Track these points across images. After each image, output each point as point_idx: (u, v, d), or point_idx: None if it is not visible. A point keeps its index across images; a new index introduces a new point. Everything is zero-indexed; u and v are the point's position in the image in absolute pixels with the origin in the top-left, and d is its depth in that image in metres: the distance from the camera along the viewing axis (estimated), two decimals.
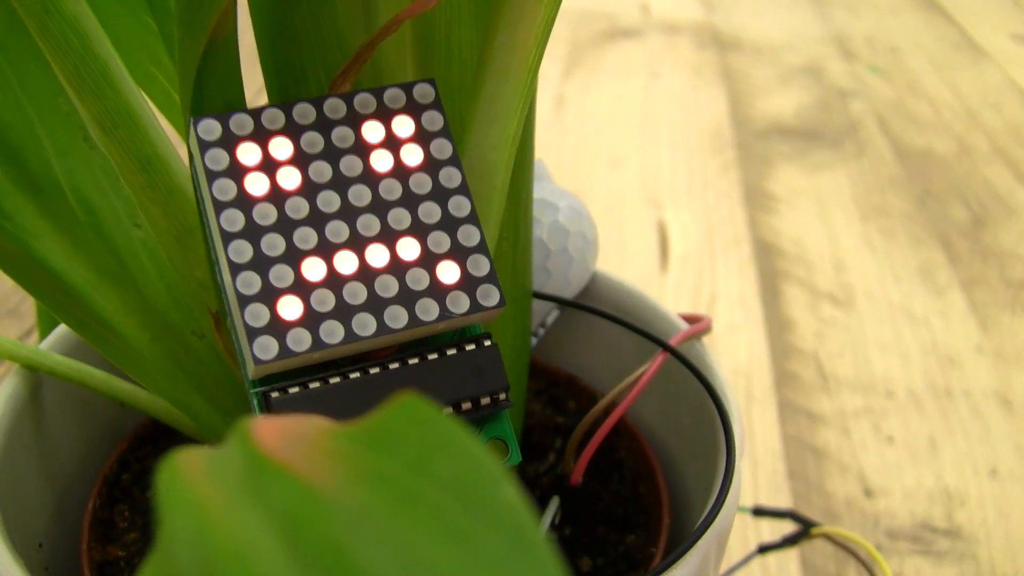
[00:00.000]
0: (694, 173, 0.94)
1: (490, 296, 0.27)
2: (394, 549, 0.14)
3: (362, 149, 0.27)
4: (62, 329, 0.40)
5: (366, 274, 0.26)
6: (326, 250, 0.26)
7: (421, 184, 0.27)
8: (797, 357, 0.69)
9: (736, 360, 0.68)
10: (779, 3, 1.38)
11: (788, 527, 0.54)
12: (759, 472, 0.59)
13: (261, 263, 0.25)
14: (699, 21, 1.31)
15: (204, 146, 0.26)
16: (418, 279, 0.26)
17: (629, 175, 0.93)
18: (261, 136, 0.26)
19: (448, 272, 0.27)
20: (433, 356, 0.27)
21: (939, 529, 0.55)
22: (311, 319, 0.25)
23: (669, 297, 0.75)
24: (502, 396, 0.27)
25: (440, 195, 0.27)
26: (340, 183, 0.27)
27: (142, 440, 0.41)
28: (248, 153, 0.26)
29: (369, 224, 0.26)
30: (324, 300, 0.26)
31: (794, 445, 0.61)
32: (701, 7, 1.36)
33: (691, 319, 0.41)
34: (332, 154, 0.27)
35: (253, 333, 0.25)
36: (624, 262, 0.79)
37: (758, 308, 0.74)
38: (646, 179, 0.92)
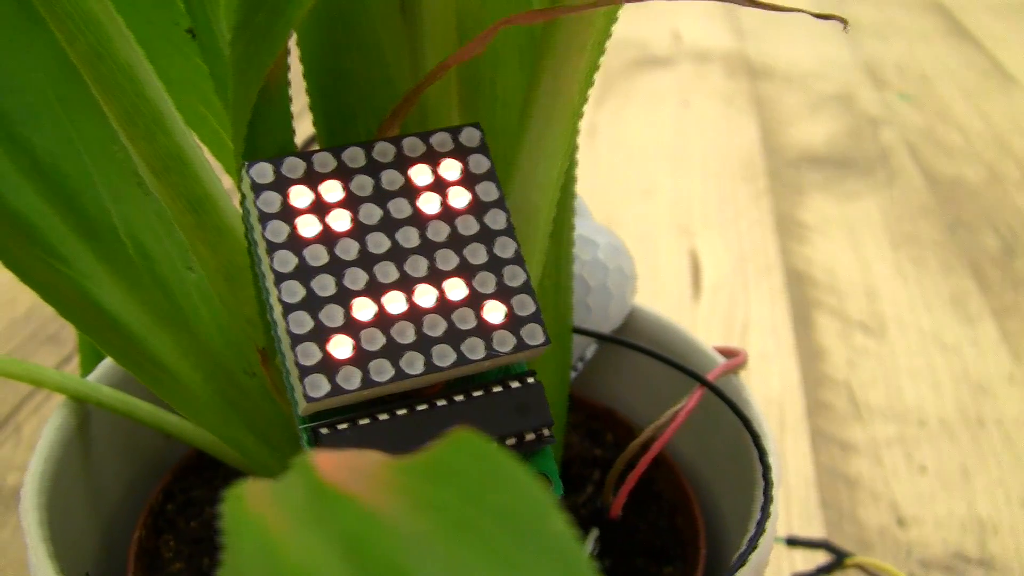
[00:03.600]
0: (726, 201, 0.94)
1: (535, 335, 0.27)
2: (451, 573, 0.14)
3: (410, 192, 0.28)
4: (109, 361, 0.40)
5: (414, 314, 0.27)
6: (376, 290, 0.27)
7: (468, 226, 0.28)
8: (829, 386, 0.69)
9: (768, 389, 0.69)
10: (809, 31, 1.38)
11: (822, 557, 0.54)
12: (792, 501, 0.59)
13: (312, 303, 0.26)
14: (730, 49, 1.32)
15: (257, 189, 0.27)
16: (465, 318, 0.27)
17: (661, 203, 0.93)
18: (312, 179, 0.27)
19: (494, 312, 0.27)
20: (479, 393, 0.28)
21: (972, 559, 0.56)
22: (361, 358, 0.26)
23: (701, 326, 0.76)
24: (546, 432, 0.28)
25: (486, 236, 0.28)
26: (389, 225, 0.27)
27: (187, 471, 0.42)
28: (300, 196, 0.27)
29: (417, 265, 0.27)
30: (374, 339, 0.26)
31: (827, 474, 0.61)
32: (732, 35, 1.37)
33: (727, 352, 0.41)
34: (381, 197, 0.27)
35: (305, 371, 0.26)
36: (657, 291, 0.80)
37: (790, 337, 0.75)
38: (678, 208, 0.92)
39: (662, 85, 1.21)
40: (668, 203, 0.93)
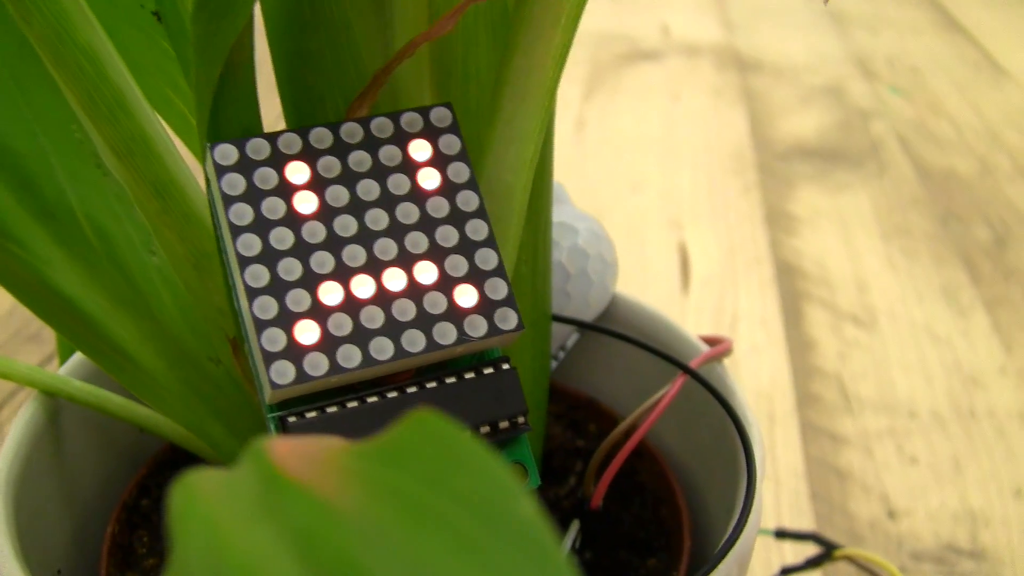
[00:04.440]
0: (715, 195, 0.93)
1: (508, 319, 0.27)
2: (410, 565, 0.14)
3: (379, 173, 0.27)
4: (81, 355, 0.40)
5: (383, 298, 0.26)
6: (343, 274, 0.26)
7: (438, 208, 0.27)
8: (820, 378, 0.69)
9: (758, 382, 0.68)
10: (800, 24, 1.38)
11: (811, 549, 0.53)
12: (782, 494, 0.58)
13: (278, 288, 0.25)
14: (720, 43, 1.31)
15: (221, 171, 0.26)
16: (436, 303, 0.26)
17: (650, 197, 0.93)
18: (278, 161, 0.26)
19: (466, 296, 0.27)
20: (451, 380, 0.27)
21: (963, 551, 0.55)
22: (328, 343, 0.25)
23: (691, 319, 0.75)
24: (521, 420, 0.27)
25: (458, 219, 0.27)
26: (357, 207, 0.27)
27: (162, 465, 0.41)
28: (265, 178, 0.26)
29: (386, 248, 0.26)
30: (341, 324, 0.26)
31: (817, 467, 0.60)
32: (721, 29, 1.36)
33: (712, 341, 0.41)
34: (349, 178, 0.27)
35: (270, 358, 0.25)
36: (646, 284, 0.79)
37: (780, 329, 0.74)
38: (667, 201, 0.92)
39: (651, 79, 1.20)
40: (657, 196, 0.93)
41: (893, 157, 1.01)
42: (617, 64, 1.24)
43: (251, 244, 0.26)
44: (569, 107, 1.10)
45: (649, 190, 0.94)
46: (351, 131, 0.27)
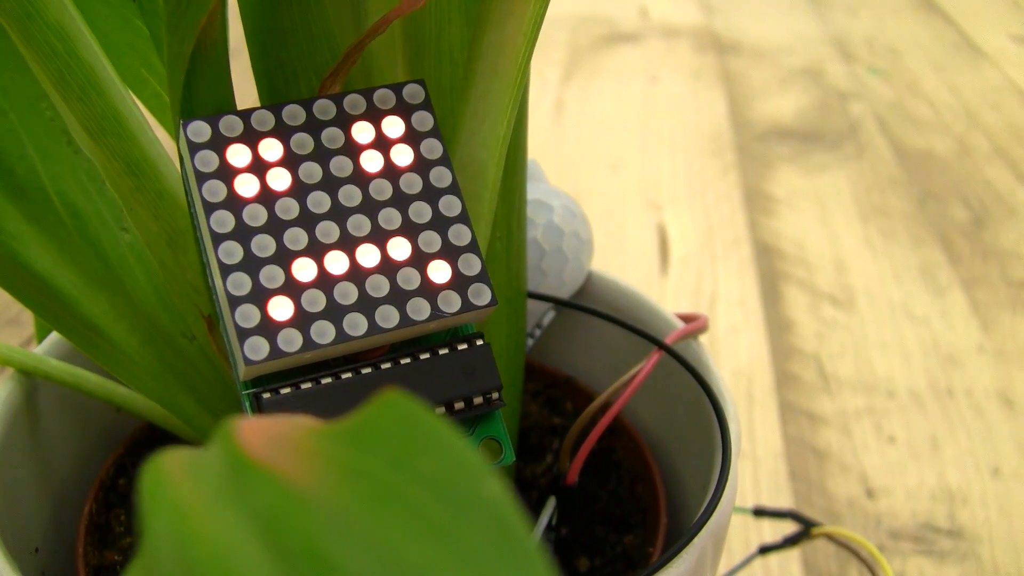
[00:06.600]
0: (694, 176, 0.93)
1: (481, 295, 0.27)
2: (375, 548, 0.13)
3: (352, 150, 0.27)
4: (57, 334, 0.39)
5: (357, 274, 0.26)
6: (316, 251, 0.26)
7: (411, 184, 0.27)
8: (798, 358, 0.69)
9: (737, 362, 0.68)
10: (778, 6, 1.38)
11: (789, 527, 0.54)
12: (760, 473, 0.59)
13: (251, 264, 0.25)
14: (698, 25, 1.31)
15: (193, 148, 0.26)
16: (409, 279, 0.26)
17: (629, 179, 0.93)
18: (251, 138, 0.26)
19: (439, 271, 0.27)
20: (425, 356, 0.27)
21: (941, 529, 0.55)
22: (302, 319, 0.25)
23: (670, 300, 0.75)
24: (495, 395, 0.27)
25: (431, 195, 0.27)
26: (330, 184, 0.27)
27: (139, 444, 0.41)
28: (238, 155, 0.26)
29: (359, 224, 0.26)
30: (315, 300, 0.26)
31: (795, 446, 0.61)
32: (700, 11, 1.36)
33: (688, 318, 0.41)
34: (322, 155, 0.27)
35: (244, 334, 0.25)
36: (624, 265, 0.79)
37: (758, 310, 0.74)
38: (646, 182, 0.92)
39: (630, 61, 1.20)
40: (636, 178, 0.93)
41: (871, 138, 1.02)
42: (596, 46, 1.24)
43: (224, 221, 0.26)
44: (548, 89, 1.10)
45: (628, 172, 0.94)
46: (324, 108, 0.27)
